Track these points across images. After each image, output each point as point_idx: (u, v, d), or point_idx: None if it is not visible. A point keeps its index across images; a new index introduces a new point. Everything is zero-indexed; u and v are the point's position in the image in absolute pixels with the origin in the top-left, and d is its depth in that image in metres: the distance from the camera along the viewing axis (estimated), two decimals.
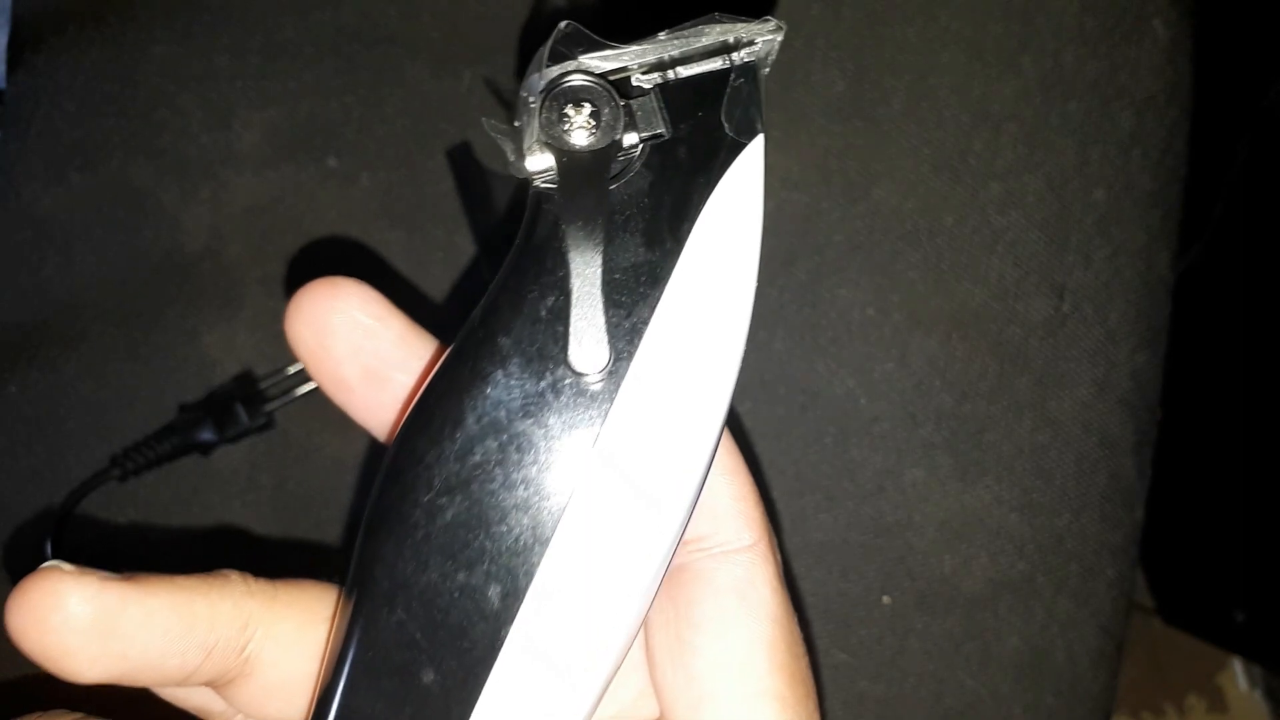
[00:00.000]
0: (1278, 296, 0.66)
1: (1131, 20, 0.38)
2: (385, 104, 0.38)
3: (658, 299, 0.19)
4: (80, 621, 0.19)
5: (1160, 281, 0.39)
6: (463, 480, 0.19)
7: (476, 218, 0.37)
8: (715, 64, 0.20)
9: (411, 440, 0.19)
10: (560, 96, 0.20)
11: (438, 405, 0.19)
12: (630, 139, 0.20)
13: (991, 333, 0.37)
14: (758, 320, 0.20)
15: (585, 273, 0.19)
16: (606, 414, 0.19)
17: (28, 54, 0.40)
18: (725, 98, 0.20)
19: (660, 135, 0.20)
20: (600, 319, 0.19)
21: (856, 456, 0.37)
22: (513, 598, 0.19)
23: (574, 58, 0.20)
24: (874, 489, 0.37)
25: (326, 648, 0.21)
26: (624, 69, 0.20)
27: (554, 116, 0.20)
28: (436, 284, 0.38)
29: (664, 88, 0.20)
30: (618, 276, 0.19)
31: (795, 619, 0.23)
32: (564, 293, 0.19)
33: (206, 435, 0.36)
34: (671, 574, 0.23)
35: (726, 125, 0.20)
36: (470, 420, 0.19)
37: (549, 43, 0.20)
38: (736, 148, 0.20)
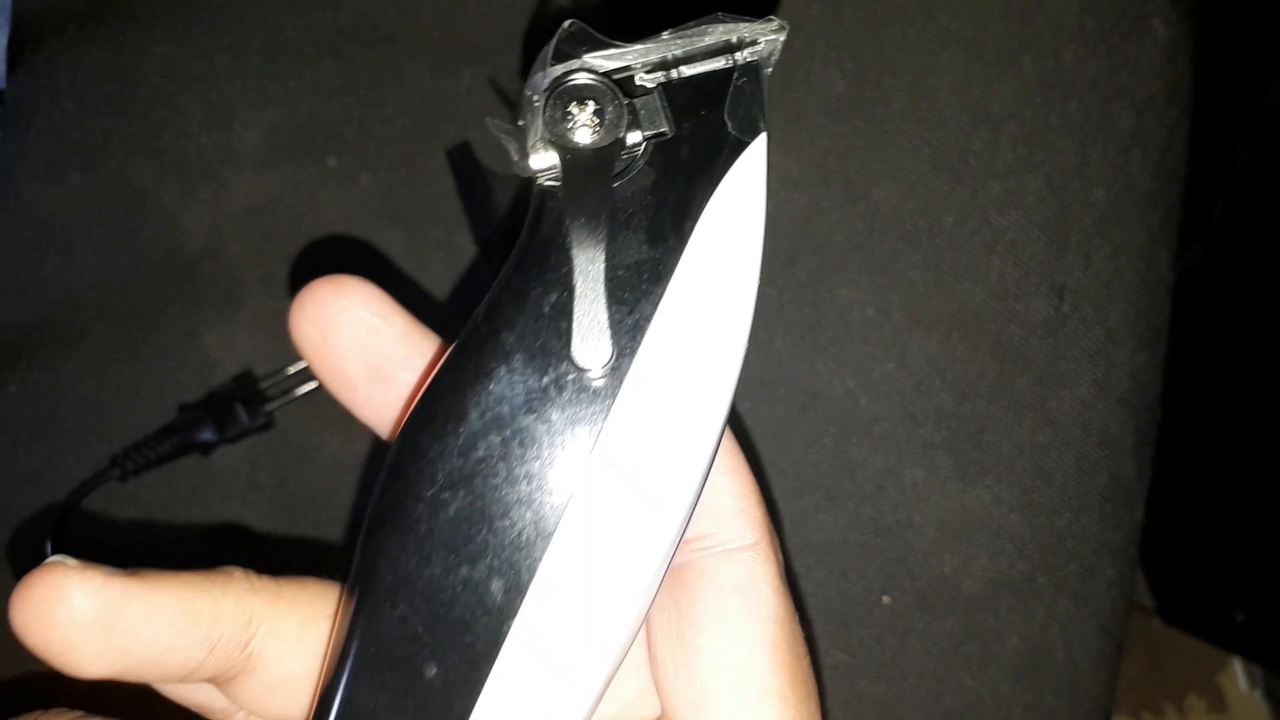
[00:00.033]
0: (1278, 296, 0.66)
1: (1131, 20, 0.38)
2: (385, 104, 0.38)
3: (660, 296, 0.19)
4: (84, 617, 0.19)
5: (1160, 281, 0.39)
6: (466, 475, 0.19)
7: (476, 218, 0.37)
8: (718, 63, 0.20)
9: (415, 436, 0.19)
10: (564, 95, 0.20)
11: (441, 401, 0.19)
12: (634, 137, 0.20)
13: (991, 333, 0.37)
14: (758, 320, 0.21)
15: (589, 269, 0.19)
16: (609, 410, 0.19)
17: (28, 54, 0.40)
18: (728, 97, 0.20)
19: (663, 134, 0.20)
20: (604, 315, 0.19)
21: (856, 456, 0.37)
22: (515, 592, 0.19)
23: (578, 56, 0.20)
24: (874, 489, 0.37)
25: (329, 644, 0.21)
26: (628, 68, 0.20)
27: (558, 114, 0.20)
28: (436, 284, 0.38)
29: (667, 87, 0.20)
30: (621, 273, 0.19)
31: (797, 618, 0.23)
32: (567, 289, 0.19)
33: (206, 435, 0.36)
34: (673, 572, 0.23)
35: (729, 124, 0.20)
36: (474, 415, 0.19)
37: (553, 41, 0.20)
38: (739, 146, 0.20)
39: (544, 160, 0.20)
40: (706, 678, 0.22)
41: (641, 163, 0.20)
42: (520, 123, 0.20)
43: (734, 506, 0.23)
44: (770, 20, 0.20)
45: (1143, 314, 0.38)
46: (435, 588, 0.19)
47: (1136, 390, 0.38)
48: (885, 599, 0.37)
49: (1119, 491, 0.38)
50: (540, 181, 0.20)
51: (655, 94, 0.20)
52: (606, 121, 0.20)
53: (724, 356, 0.20)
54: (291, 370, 0.37)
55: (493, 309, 0.19)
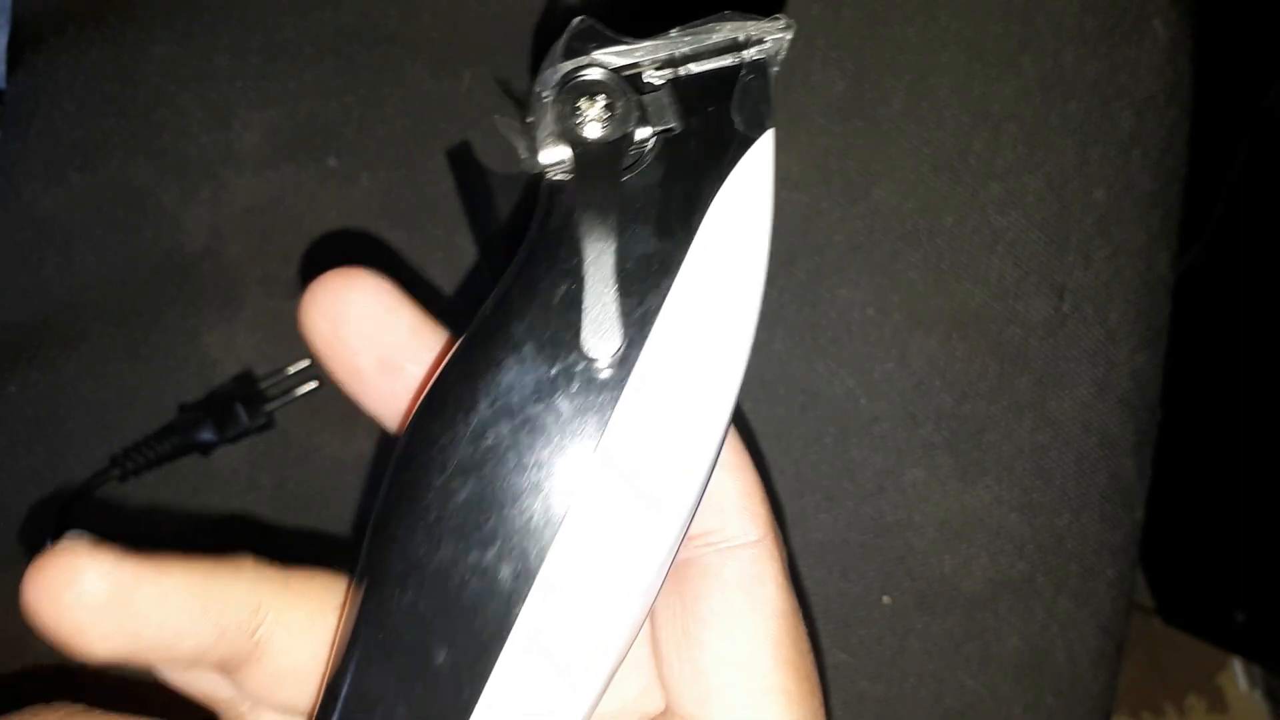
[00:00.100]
0: (1278, 296, 0.66)
1: (1131, 20, 0.38)
2: (385, 104, 0.38)
3: (668, 288, 0.20)
4: (95, 599, 0.19)
5: (1160, 281, 0.39)
6: (475, 463, 0.19)
7: (476, 218, 0.37)
8: (726, 61, 0.21)
9: (425, 424, 0.20)
10: (575, 90, 0.20)
11: (451, 390, 0.20)
12: (642, 133, 0.20)
13: (991, 333, 0.37)
14: (758, 320, 0.21)
15: (598, 261, 0.19)
16: (616, 400, 0.19)
17: (28, 54, 0.40)
18: (736, 93, 0.20)
19: (672, 129, 0.20)
20: (613, 305, 0.19)
21: (856, 456, 0.37)
22: (524, 579, 0.19)
23: (588, 53, 0.20)
24: (874, 489, 0.37)
25: (336, 634, 0.21)
26: (637, 64, 0.20)
27: (568, 109, 0.20)
28: (436, 284, 0.38)
29: (675, 83, 0.21)
30: (629, 266, 0.20)
31: (800, 614, 0.23)
32: (577, 280, 0.19)
33: (206, 435, 0.36)
34: (678, 568, 0.23)
35: (737, 120, 0.20)
36: (483, 404, 0.19)
37: (564, 37, 0.20)
38: (747, 142, 0.20)
39: (553, 155, 0.20)
40: (711, 674, 0.22)
41: (650, 158, 0.20)
42: (529, 120, 0.21)
43: (738, 503, 0.23)
44: (777, 19, 0.21)
45: (1143, 314, 0.38)
46: (444, 574, 0.19)
47: (1136, 390, 0.38)
48: (885, 599, 0.37)
49: (1119, 491, 0.38)
50: (549, 176, 0.20)
51: (664, 90, 0.20)
52: (616, 116, 0.20)
53: (731, 347, 0.20)
54: (291, 370, 0.37)
55: (502, 301, 0.20)
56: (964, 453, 0.37)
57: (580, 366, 0.19)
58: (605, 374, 0.19)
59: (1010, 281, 0.37)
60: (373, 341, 0.21)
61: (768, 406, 0.37)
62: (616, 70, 0.20)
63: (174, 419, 0.37)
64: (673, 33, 0.21)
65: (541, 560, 0.19)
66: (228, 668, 0.21)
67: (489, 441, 0.19)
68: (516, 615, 0.19)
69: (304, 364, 0.37)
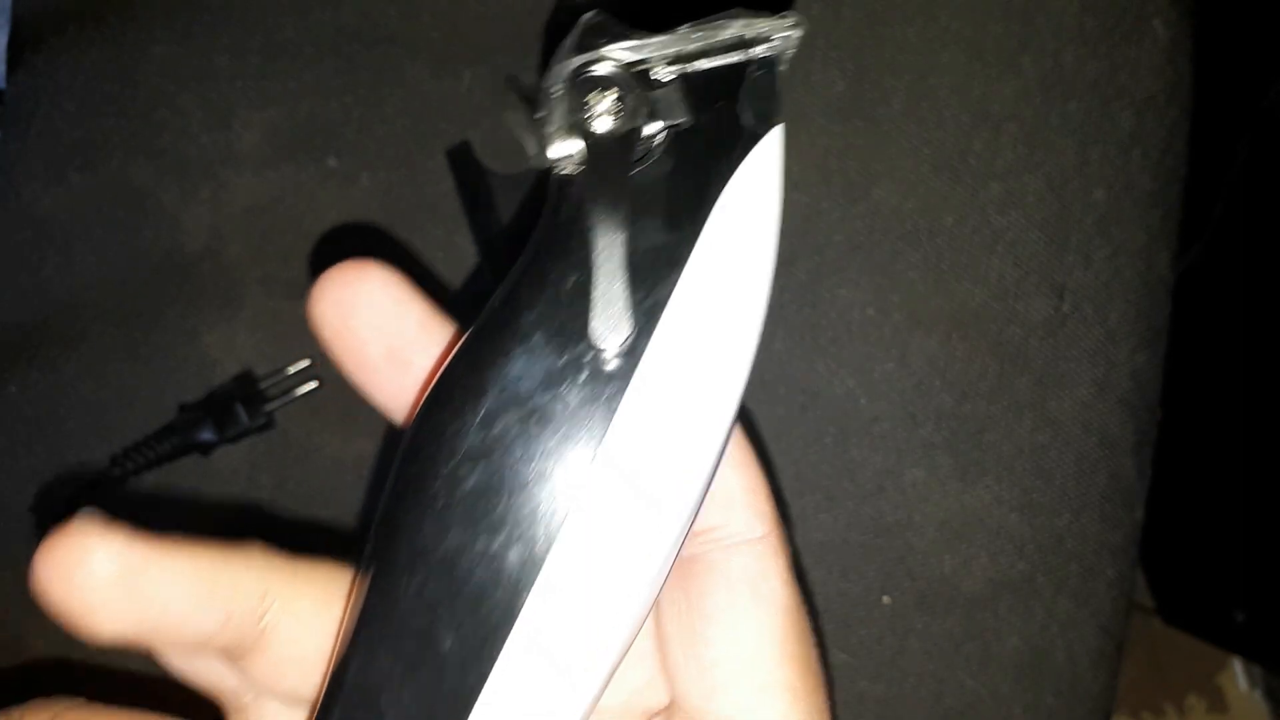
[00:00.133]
0: (1278, 296, 0.66)
1: (1131, 20, 0.38)
2: (385, 104, 0.38)
3: (676, 280, 0.20)
4: (103, 578, 0.19)
5: (1160, 281, 0.39)
6: (483, 451, 0.19)
7: (476, 218, 0.37)
8: (735, 57, 0.21)
9: (433, 413, 0.20)
10: (585, 84, 0.20)
11: (460, 379, 0.20)
12: (652, 127, 0.20)
13: (991, 333, 0.37)
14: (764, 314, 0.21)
15: (607, 253, 0.20)
16: (623, 390, 0.19)
17: (28, 54, 0.40)
18: (744, 90, 0.21)
19: (680, 124, 0.20)
20: (622, 296, 0.19)
21: (856, 456, 0.37)
22: (531, 566, 0.19)
23: (599, 47, 0.21)
24: (874, 489, 0.37)
25: (341, 623, 0.21)
26: (647, 60, 0.21)
27: (579, 103, 0.20)
28: (436, 284, 0.38)
29: (685, 79, 0.21)
30: (638, 258, 0.20)
31: (805, 610, 0.23)
32: (585, 271, 0.20)
33: (206, 435, 0.36)
34: (684, 565, 0.23)
35: (745, 116, 0.21)
36: (492, 393, 0.19)
37: (575, 32, 0.21)
38: (755, 137, 0.20)
39: (563, 149, 0.20)
40: (717, 669, 0.23)
41: (659, 152, 0.20)
42: (539, 115, 0.21)
43: (743, 500, 0.23)
44: (786, 16, 0.21)
45: (1143, 314, 0.38)
46: (451, 560, 0.19)
47: (1136, 390, 0.38)
48: (885, 599, 0.37)
49: (1119, 491, 0.38)
50: (558, 171, 0.21)
51: (673, 85, 0.21)
52: (626, 110, 0.20)
53: (738, 340, 0.20)
54: (291, 370, 0.37)
55: (510, 292, 0.20)
56: (964, 453, 0.37)
57: (588, 357, 0.19)
58: (612, 365, 0.19)
59: (1010, 281, 0.37)
60: (382, 333, 0.21)
61: (768, 406, 0.37)
62: (627, 65, 0.21)
63: (174, 419, 0.37)
64: (683, 29, 0.21)
65: (548, 549, 0.19)
66: (233, 655, 0.21)
67: (497, 430, 0.19)
68: (522, 603, 0.19)
69: (304, 364, 0.37)
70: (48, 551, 0.19)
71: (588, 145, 0.20)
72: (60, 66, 0.39)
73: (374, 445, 0.37)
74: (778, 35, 0.21)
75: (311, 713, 0.21)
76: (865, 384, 0.37)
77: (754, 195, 0.20)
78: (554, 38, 0.20)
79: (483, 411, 0.19)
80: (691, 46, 0.21)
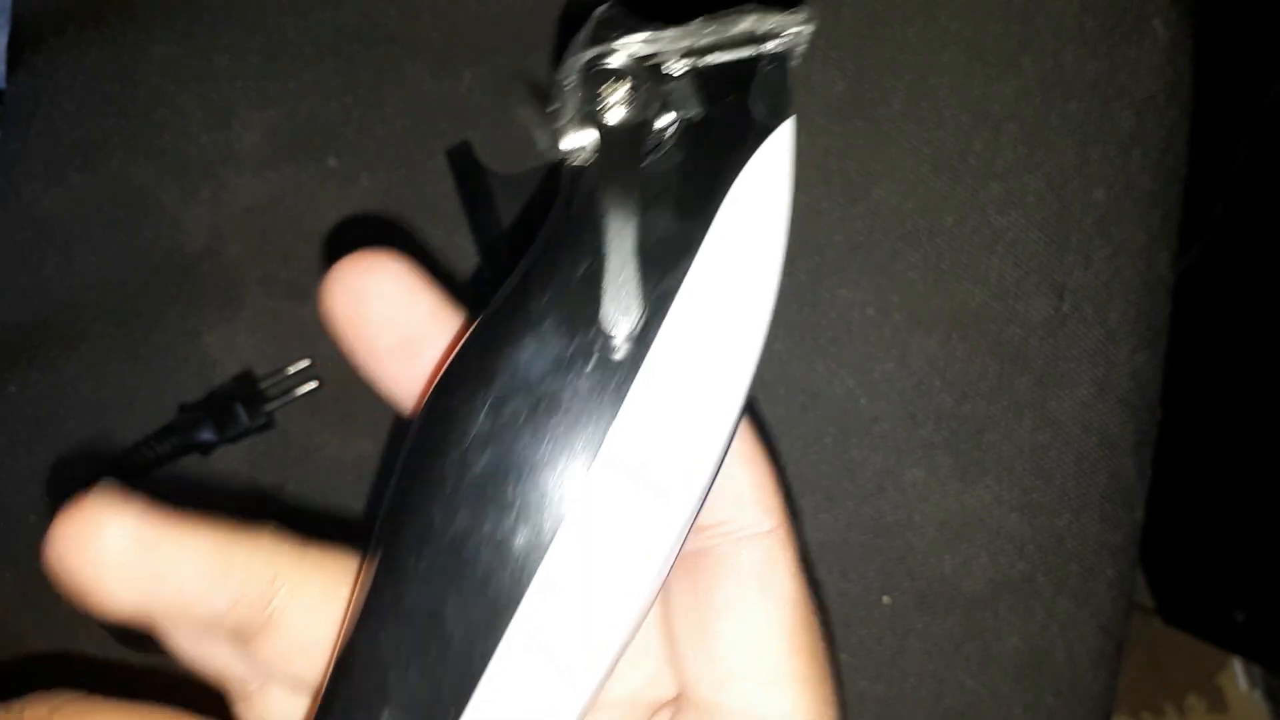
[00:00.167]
0: (1278, 296, 0.66)
1: (1131, 20, 0.38)
2: (385, 104, 0.38)
3: (686, 269, 0.20)
4: (117, 551, 0.19)
5: (1160, 281, 0.39)
6: (492, 435, 0.19)
7: (476, 218, 0.37)
8: (746, 52, 0.21)
9: (443, 397, 0.20)
10: (598, 76, 0.21)
11: (470, 364, 0.20)
12: (663, 120, 0.21)
13: (991, 333, 0.37)
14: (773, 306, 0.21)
15: (618, 241, 0.20)
16: (632, 378, 0.20)
17: (28, 54, 0.40)
18: (755, 84, 0.21)
19: (691, 117, 0.21)
20: (632, 283, 0.20)
21: (856, 456, 0.37)
22: (538, 550, 0.19)
23: (612, 40, 0.21)
24: (874, 489, 0.37)
25: (349, 605, 0.21)
26: (660, 53, 0.21)
27: (592, 95, 0.21)
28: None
29: (697, 72, 0.21)
30: (649, 247, 0.20)
31: (814, 603, 0.24)
32: (597, 259, 0.20)
33: (206, 435, 0.36)
34: (693, 558, 0.23)
35: (757, 110, 0.21)
36: (501, 378, 0.20)
37: (589, 25, 0.21)
38: (765, 130, 0.21)
39: (576, 141, 0.21)
40: (726, 660, 0.23)
41: (670, 144, 0.21)
42: (551, 109, 0.21)
43: (751, 494, 0.23)
44: (798, 12, 0.21)
45: (1143, 314, 0.38)
46: (459, 542, 0.19)
47: (1136, 390, 0.38)
48: (885, 599, 0.37)
49: (1119, 491, 0.38)
50: (571, 163, 0.21)
51: (685, 79, 0.21)
52: (638, 103, 0.20)
53: (747, 328, 0.20)
54: (291, 370, 0.37)
55: (522, 280, 0.20)
56: (964, 453, 0.37)
57: (598, 344, 0.20)
58: (622, 352, 0.20)
59: (1010, 281, 0.37)
60: (394, 323, 0.21)
61: (768, 406, 0.37)
62: (640, 58, 0.21)
63: (174, 419, 0.37)
64: (695, 23, 0.21)
65: (555, 532, 0.19)
66: (241, 637, 0.21)
67: (506, 415, 0.19)
68: (528, 583, 0.19)
69: (304, 364, 0.37)
70: (64, 522, 0.19)
71: (600, 136, 0.20)
72: (60, 66, 0.39)
73: (374, 445, 0.37)
74: (789, 31, 0.21)
75: (317, 693, 0.21)
76: (865, 384, 0.37)
77: (765, 187, 0.21)
78: (567, 32, 0.21)
79: (492, 396, 0.19)
80: (704, 41, 0.21)
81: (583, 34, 0.21)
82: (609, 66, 0.21)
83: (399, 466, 0.20)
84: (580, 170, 0.21)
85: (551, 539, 0.19)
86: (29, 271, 0.38)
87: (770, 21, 0.21)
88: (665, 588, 0.24)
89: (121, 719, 0.20)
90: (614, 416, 0.19)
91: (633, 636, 0.21)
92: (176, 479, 0.37)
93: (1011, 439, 0.37)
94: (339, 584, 0.21)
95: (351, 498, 0.37)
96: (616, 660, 0.20)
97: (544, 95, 0.21)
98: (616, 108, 0.20)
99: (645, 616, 0.21)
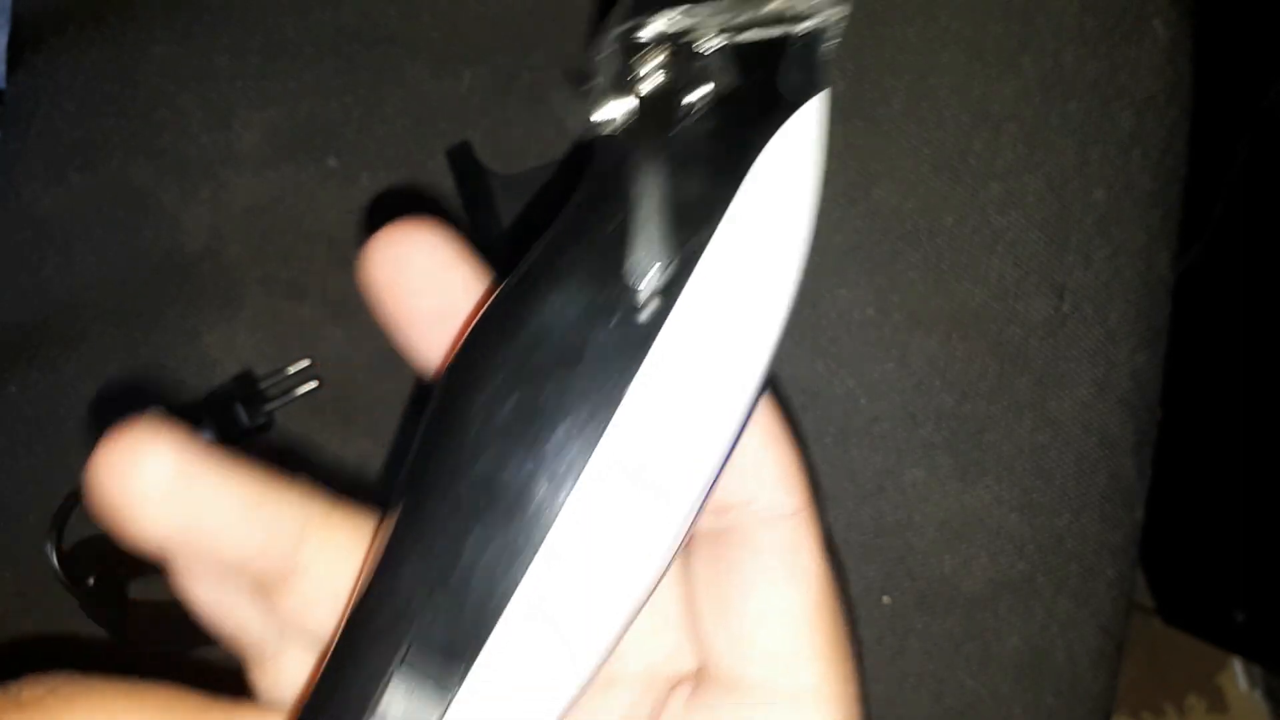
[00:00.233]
0: (1278, 296, 0.67)
1: (1131, 20, 0.38)
2: (385, 104, 0.38)
3: (713, 230, 0.20)
4: (157, 480, 0.19)
5: (1160, 281, 0.39)
6: (518, 384, 0.20)
7: (476, 218, 0.37)
8: (780, 31, 0.22)
9: (471, 350, 0.20)
10: (633, 48, 0.21)
11: (497, 317, 0.20)
12: (695, 94, 0.21)
13: (991, 333, 0.37)
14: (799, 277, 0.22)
15: (647, 199, 0.20)
16: (657, 333, 0.20)
17: (28, 54, 0.40)
18: (787, 62, 0.21)
19: (722, 91, 0.21)
20: (659, 239, 0.20)
21: (856, 456, 0.37)
22: (560, 491, 0.20)
23: (648, 13, 0.21)
24: (874, 489, 0.37)
25: (369, 553, 0.21)
26: (694, 28, 0.21)
27: (626, 65, 0.21)
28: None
29: (730, 49, 0.21)
30: (676, 208, 0.20)
31: (836, 583, 0.24)
32: (625, 217, 0.20)
33: (206, 435, 0.36)
34: (717, 537, 0.24)
35: (786, 87, 0.21)
36: (528, 330, 0.20)
37: None
38: (794, 105, 0.21)
39: (610, 111, 0.21)
40: (750, 636, 0.23)
41: (700, 114, 0.21)
42: (588, 85, 0.22)
43: (776, 474, 0.24)
44: None
45: (1143, 314, 0.38)
46: (482, 485, 0.20)
47: (1136, 390, 0.38)
48: (885, 599, 0.37)
49: (1119, 491, 0.38)
50: (601, 132, 0.21)
51: (718, 54, 0.21)
52: (671, 75, 0.21)
53: (772, 289, 0.21)
54: (291, 370, 0.37)
55: (550, 240, 0.21)
56: (964, 453, 0.37)
57: (624, 298, 0.20)
58: (648, 307, 0.20)
59: (1010, 281, 0.37)
60: (433, 291, 0.22)
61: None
62: (674, 33, 0.21)
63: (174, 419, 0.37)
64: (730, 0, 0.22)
65: (578, 477, 0.20)
66: (265, 586, 0.21)
67: (532, 365, 0.20)
68: (548, 531, 0.20)
69: (304, 364, 0.37)
70: (107, 448, 0.20)
71: (632, 107, 0.21)
72: (60, 66, 0.39)
73: (374, 445, 0.37)
74: (822, 12, 0.22)
75: (336, 630, 0.21)
76: (865, 384, 0.37)
77: (793, 158, 0.21)
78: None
79: (518, 347, 0.20)
80: (739, 18, 0.21)
81: (619, 7, 0.22)
82: (643, 39, 0.21)
83: (425, 417, 0.21)
84: (611, 138, 0.21)
85: (577, 479, 0.20)
86: (29, 271, 0.38)
87: (804, 2, 0.21)
88: (688, 565, 0.25)
89: (117, 697, 0.20)
90: (637, 371, 0.20)
91: (647, 595, 0.21)
92: None
93: (1011, 439, 0.37)
94: (364, 541, 0.22)
95: (351, 497, 0.37)
96: (625, 626, 0.21)
97: (580, 78, 0.22)
98: (650, 77, 0.21)
99: (663, 571, 0.21)
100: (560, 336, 0.20)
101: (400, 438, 0.37)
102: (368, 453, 0.37)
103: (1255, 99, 0.66)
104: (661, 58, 0.21)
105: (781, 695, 0.23)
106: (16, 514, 0.37)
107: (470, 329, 0.21)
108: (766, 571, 0.23)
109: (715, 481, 0.21)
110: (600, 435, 0.20)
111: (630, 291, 0.20)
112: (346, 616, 0.21)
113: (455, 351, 0.21)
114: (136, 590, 0.37)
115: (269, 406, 0.37)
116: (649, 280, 0.20)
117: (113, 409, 0.37)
